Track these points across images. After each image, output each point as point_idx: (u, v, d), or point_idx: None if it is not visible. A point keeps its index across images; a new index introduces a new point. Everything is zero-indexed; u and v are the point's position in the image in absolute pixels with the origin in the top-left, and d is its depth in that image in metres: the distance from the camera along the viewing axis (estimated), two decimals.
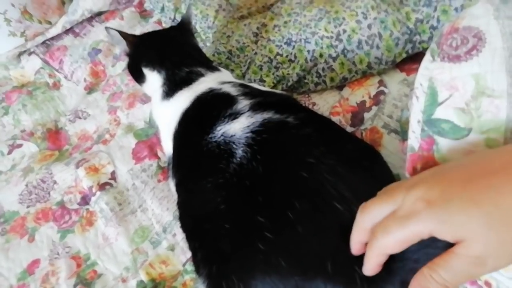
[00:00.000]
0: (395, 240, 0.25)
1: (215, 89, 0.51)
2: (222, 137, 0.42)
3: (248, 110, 0.44)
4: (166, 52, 0.58)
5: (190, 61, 0.57)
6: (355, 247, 0.29)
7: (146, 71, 0.58)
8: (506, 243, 0.22)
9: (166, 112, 0.55)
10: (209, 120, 0.45)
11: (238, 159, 0.39)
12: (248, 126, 0.41)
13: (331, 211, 0.33)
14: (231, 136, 0.41)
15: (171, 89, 0.55)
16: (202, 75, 0.55)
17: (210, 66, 0.58)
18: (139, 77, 0.60)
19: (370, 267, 0.28)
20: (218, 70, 0.59)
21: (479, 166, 0.26)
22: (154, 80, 0.58)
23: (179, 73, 0.55)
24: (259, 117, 0.42)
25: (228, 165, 0.39)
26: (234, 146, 0.40)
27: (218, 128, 0.43)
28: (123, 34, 0.60)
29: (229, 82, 0.53)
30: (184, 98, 0.52)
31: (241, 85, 0.52)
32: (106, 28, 0.62)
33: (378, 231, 0.26)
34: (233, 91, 0.49)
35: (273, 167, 0.37)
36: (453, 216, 0.23)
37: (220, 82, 0.53)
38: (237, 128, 0.42)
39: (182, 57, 0.57)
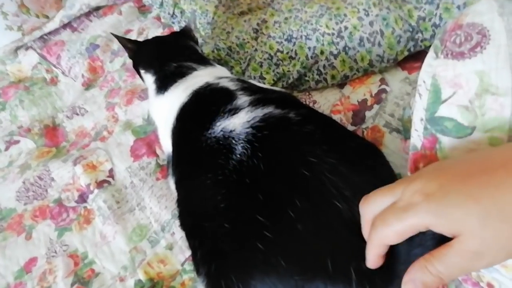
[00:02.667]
0: (394, 232, 0.25)
1: (212, 83, 0.50)
2: (221, 133, 0.41)
3: (248, 105, 0.43)
4: (155, 54, 0.63)
5: (177, 57, 0.59)
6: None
7: (142, 73, 0.64)
8: (502, 239, 0.22)
9: (162, 107, 0.54)
10: (208, 115, 0.44)
11: (238, 156, 0.38)
12: (248, 121, 0.40)
13: (332, 210, 0.32)
14: (231, 131, 0.40)
15: (163, 82, 0.57)
16: (193, 69, 0.57)
17: (203, 61, 0.60)
18: (142, 78, 0.66)
19: (372, 259, 0.28)
20: (212, 65, 0.59)
21: (479, 162, 0.25)
22: (147, 78, 0.61)
23: (167, 69, 0.58)
24: (260, 112, 0.41)
25: (228, 161, 0.38)
26: (233, 141, 0.39)
27: (218, 124, 0.42)
28: (122, 41, 0.67)
29: (226, 77, 0.52)
30: (180, 92, 0.52)
31: (239, 80, 0.51)
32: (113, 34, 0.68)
33: (377, 223, 0.26)
34: (231, 85, 0.48)
35: (274, 165, 0.36)
36: (450, 210, 0.23)
37: (216, 77, 0.52)
38: (237, 123, 0.41)
39: (169, 55, 0.61)
